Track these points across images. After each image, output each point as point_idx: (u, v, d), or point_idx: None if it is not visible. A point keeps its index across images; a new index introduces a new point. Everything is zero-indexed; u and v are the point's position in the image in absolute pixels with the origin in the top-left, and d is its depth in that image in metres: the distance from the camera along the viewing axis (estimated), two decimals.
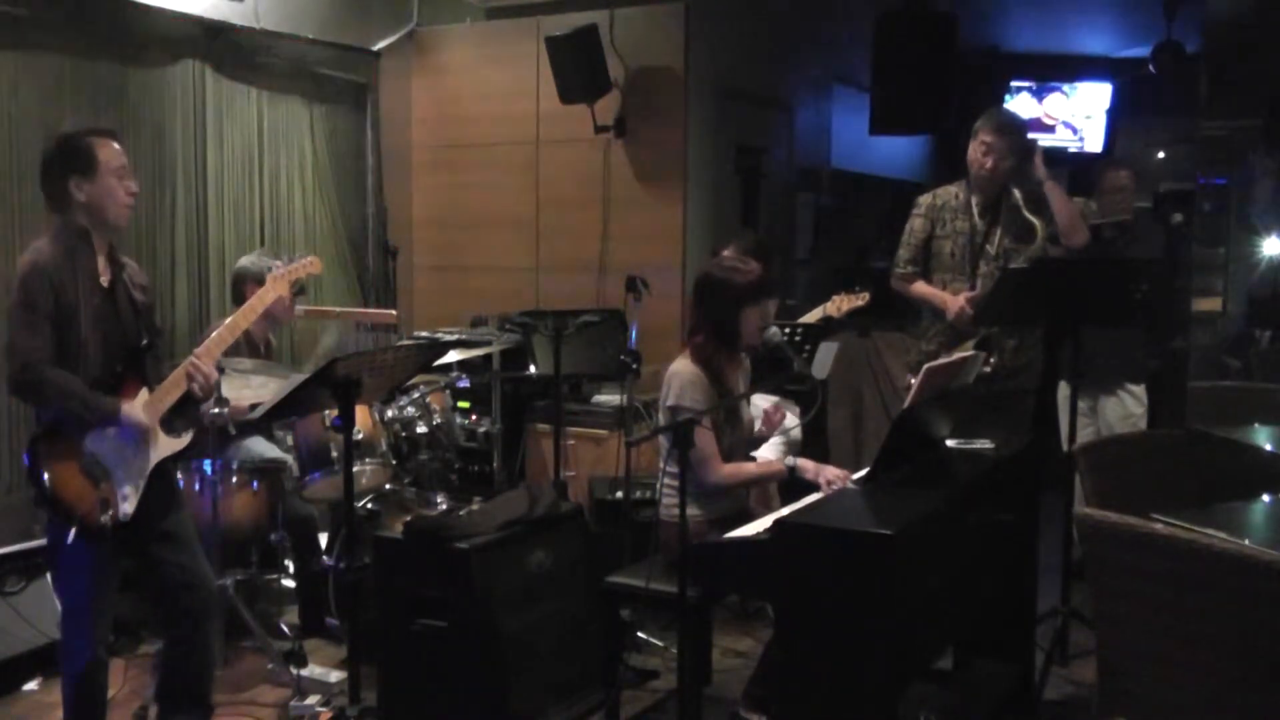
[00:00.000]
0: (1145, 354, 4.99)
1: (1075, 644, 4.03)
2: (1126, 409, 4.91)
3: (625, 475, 4.55)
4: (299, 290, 3.95)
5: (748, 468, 3.55)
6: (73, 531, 3.09)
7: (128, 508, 3.16)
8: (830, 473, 3.32)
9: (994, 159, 4.34)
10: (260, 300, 3.47)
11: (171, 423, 3.27)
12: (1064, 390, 4.84)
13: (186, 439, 3.33)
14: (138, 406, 3.18)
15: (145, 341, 3.26)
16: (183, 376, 3.23)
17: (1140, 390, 4.92)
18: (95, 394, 3.11)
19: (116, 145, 3.22)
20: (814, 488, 3.33)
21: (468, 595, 3.41)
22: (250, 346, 4.32)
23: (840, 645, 2.56)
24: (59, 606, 4.10)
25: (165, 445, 3.26)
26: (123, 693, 3.68)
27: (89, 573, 3.18)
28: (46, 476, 3.09)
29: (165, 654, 3.43)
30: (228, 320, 3.44)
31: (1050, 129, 8.82)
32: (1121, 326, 4.65)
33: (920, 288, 4.52)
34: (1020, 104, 8.74)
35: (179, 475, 3.57)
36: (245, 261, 4.47)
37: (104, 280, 3.22)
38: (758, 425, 3.74)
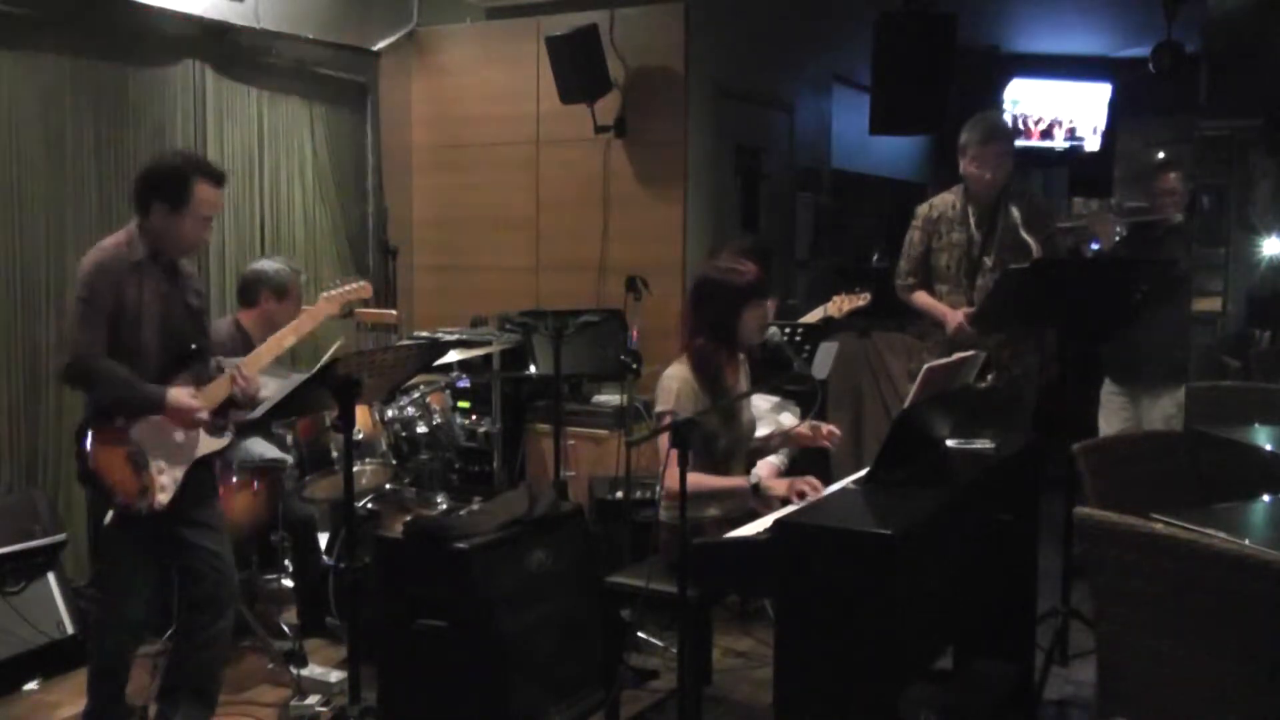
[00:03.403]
0: (1183, 356, 5.00)
1: (1075, 644, 4.02)
2: (1165, 411, 4.91)
3: (625, 475, 4.56)
4: (347, 313, 3.99)
5: (709, 480, 3.42)
6: (110, 513, 3.26)
7: (164, 498, 3.29)
8: (800, 484, 3.28)
9: (991, 170, 4.34)
10: (311, 319, 3.63)
11: (213, 422, 3.41)
12: (1106, 388, 5.03)
13: (227, 439, 3.46)
14: (183, 391, 3.30)
15: (196, 345, 3.42)
16: (228, 383, 3.37)
17: (1180, 393, 4.90)
18: (142, 383, 3.26)
19: (217, 190, 3.35)
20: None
21: (468, 595, 3.41)
22: (249, 348, 4.31)
23: (840, 645, 2.56)
24: (61, 604, 4.14)
25: (206, 443, 3.40)
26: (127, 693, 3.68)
27: (126, 554, 3.36)
28: (93, 459, 3.23)
29: (178, 644, 3.50)
30: (275, 335, 3.60)
31: (1049, 129, 8.82)
32: (1120, 326, 4.66)
33: (921, 299, 4.54)
34: (1019, 103, 8.74)
35: None
36: (265, 267, 4.40)
37: (164, 287, 3.37)
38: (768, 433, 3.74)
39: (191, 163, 3.37)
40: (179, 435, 3.32)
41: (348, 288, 3.73)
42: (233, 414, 3.67)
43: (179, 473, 3.33)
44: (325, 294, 3.69)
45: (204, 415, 3.33)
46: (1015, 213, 4.34)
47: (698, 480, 3.34)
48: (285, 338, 3.58)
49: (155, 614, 3.70)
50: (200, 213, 3.31)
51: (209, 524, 3.46)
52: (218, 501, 3.59)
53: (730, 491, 3.45)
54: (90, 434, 3.25)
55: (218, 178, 3.36)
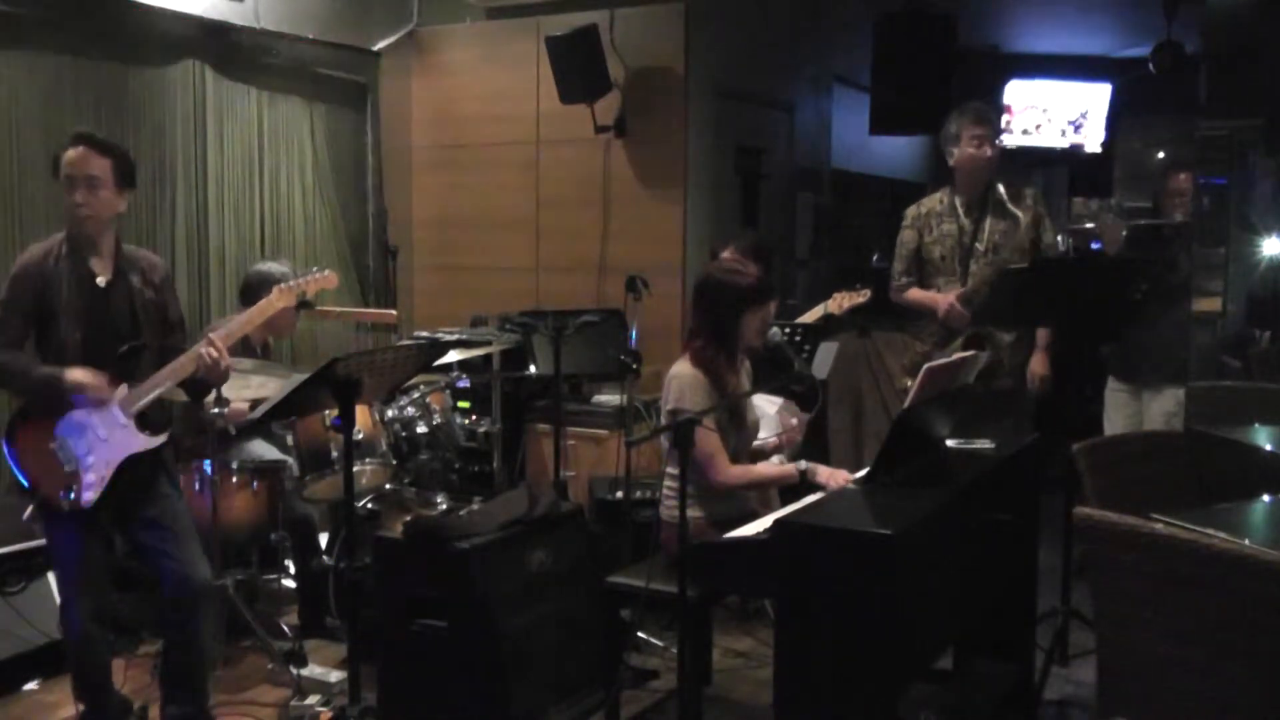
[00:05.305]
0: (1184, 356, 5.02)
1: (1075, 644, 4.02)
2: (1166, 408, 4.96)
3: (625, 475, 4.56)
4: (303, 302, 3.95)
5: (759, 469, 3.52)
6: (30, 508, 3.29)
7: (91, 495, 3.28)
8: (843, 476, 3.31)
9: (988, 145, 4.47)
10: (260, 311, 3.56)
11: (146, 419, 3.37)
12: (1110, 384, 5.16)
13: (160, 439, 3.40)
14: (80, 371, 3.25)
15: (139, 342, 3.37)
16: (192, 360, 3.31)
17: (1180, 392, 4.93)
18: (38, 366, 3.27)
19: (76, 151, 3.28)
20: (817, 488, 3.33)
21: (468, 595, 3.41)
22: (248, 349, 4.32)
23: (840, 645, 2.56)
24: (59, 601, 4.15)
25: (137, 440, 3.35)
26: (122, 693, 3.68)
27: (73, 553, 3.34)
28: (16, 456, 3.28)
29: (164, 642, 3.54)
30: (235, 319, 3.54)
31: (1049, 129, 8.81)
32: (1120, 327, 4.68)
33: (913, 294, 4.64)
34: (1019, 103, 8.73)
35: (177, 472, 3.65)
36: (272, 269, 4.37)
37: (101, 280, 3.34)
38: (769, 437, 3.73)
39: (70, 135, 3.35)
40: (102, 431, 3.28)
41: (306, 279, 3.64)
42: (204, 412, 3.73)
43: (106, 471, 3.29)
44: (280, 285, 3.60)
45: (106, 394, 3.26)
46: (1000, 189, 4.50)
47: (745, 471, 3.45)
48: (233, 330, 3.46)
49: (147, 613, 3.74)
50: (63, 175, 3.28)
51: (160, 521, 3.41)
52: (175, 497, 3.51)
53: (779, 480, 3.51)
54: (13, 431, 3.29)
55: (79, 138, 3.30)
